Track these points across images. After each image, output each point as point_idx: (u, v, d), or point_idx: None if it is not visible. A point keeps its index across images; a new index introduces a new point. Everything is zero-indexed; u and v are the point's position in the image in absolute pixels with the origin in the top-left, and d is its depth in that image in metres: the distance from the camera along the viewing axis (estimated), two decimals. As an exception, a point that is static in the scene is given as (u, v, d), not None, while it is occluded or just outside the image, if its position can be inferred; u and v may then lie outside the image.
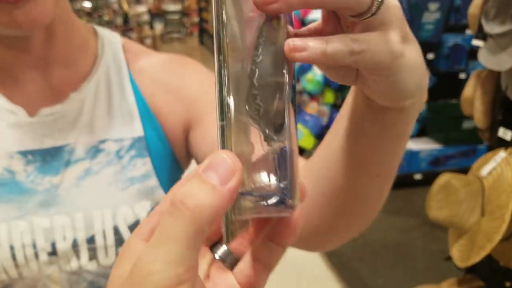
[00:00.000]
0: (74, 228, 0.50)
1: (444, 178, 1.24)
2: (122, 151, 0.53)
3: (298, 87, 3.03)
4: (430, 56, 2.79)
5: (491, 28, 1.16)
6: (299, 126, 2.92)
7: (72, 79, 0.52)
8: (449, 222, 1.23)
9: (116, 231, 0.51)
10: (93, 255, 0.51)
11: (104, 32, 0.57)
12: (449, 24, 2.74)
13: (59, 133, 0.51)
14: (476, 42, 1.30)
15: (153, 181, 0.53)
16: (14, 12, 0.40)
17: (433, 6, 2.63)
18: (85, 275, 0.51)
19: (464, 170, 2.69)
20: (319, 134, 2.81)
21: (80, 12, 5.19)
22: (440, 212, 1.23)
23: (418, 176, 2.74)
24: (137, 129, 0.53)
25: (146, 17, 6.80)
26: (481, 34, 1.25)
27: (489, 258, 1.17)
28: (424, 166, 2.76)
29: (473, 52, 2.80)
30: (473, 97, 1.40)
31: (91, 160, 0.51)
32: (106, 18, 5.58)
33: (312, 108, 2.93)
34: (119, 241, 0.51)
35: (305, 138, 2.83)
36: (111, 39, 0.56)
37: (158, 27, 7.96)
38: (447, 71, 2.81)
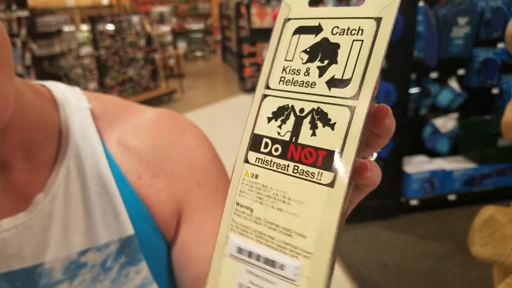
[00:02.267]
0: None
1: (487, 213, 1.15)
2: (109, 261, 0.42)
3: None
4: (461, 71, 2.69)
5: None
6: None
7: (34, 176, 0.41)
8: (495, 261, 1.14)
9: None
10: None
11: (67, 97, 0.44)
12: (480, 38, 2.64)
13: (27, 250, 0.39)
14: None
15: None
16: None
17: (462, 21, 2.55)
18: None
19: (501, 190, 2.58)
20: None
21: (103, 35, 5.29)
22: (484, 249, 1.15)
23: (452, 197, 2.62)
24: (125, 226, 0.42)
25: (169, 37, 6.89)
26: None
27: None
28: (458, 187, 2.63)
29: (505, 66, 2.69)
30: (515, 121, 1.31)
31: (72, 282, 0.41)
32: (129, 39, 5.67)
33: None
34: None
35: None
36: (75, 106, 0.44)
37: (182, 46, 8.07)
38: (479, 86, 2.70)
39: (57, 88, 0.44)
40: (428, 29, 2.48)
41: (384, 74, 2.48)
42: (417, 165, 2.68)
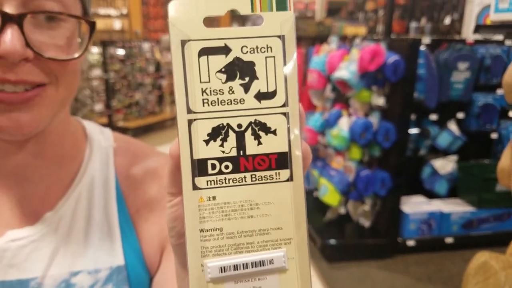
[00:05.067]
0: None
1: (482, 259, 1.15)
2: (97, 286, 0.44)
3: (323, 141, 3.00)
4: (460, 115, 2.73)
5: (529, 102, 1.11)
6: (324, 181, 2.86)
7: (49, 195, 0.45)
8: (488, 307, 1.13)
9: None
10: None
11: (95, 134, 0.51)
12: (479, 84, 2.70)
13: (26, 263, 0.43)
14: (512, 114, 1.25)
15: None
16: (2, 117, 0.37)
17: (462, 66, 2.61)
18: None
19: (499, 235, 2.56)
20: (345, 191, 2.74)
21: (113, 59, 5.41)
22: (477, 294, 1.14)
23: (449, 240, 2.60)
24: (118, 256, 0.45)
25: (176, 65, 7.02)
26: (518, 106, 1.20)
27: None
28: (456, 230, 2.62)
29: (504, 112, 2.73)
30: (510, 168, 1.33)
31: None
32: (138, 65, 5.80)
33: (337, 162, 2.88)
34: None
35: (330, 194, 2.76)
36: (101, 143, 0.50)
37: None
38: (478, 130, 2.74)
39: (89, 125, 0.51)
40: (428, 72, 2.54)
41: (384, 113, 2.52)
42: (415, 205, 2.68)
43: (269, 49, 0.24)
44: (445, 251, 2.61)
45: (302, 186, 0.25)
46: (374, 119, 2.54)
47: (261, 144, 0.25)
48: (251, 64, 0.24)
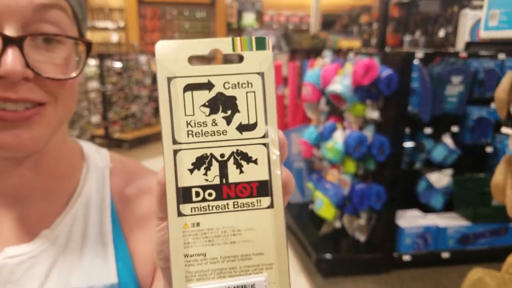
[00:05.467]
0: None
1: (476, 275, 1.14)
2: None
3: (318, 154, 3.00)
4: (455, 129, 2.73)
5: (521, 117, 1.11)
6: (319, 194, 2.84)
7: (46, 213, 0.47)
8: (483, 325, 1.11)
9: None
10: None
11: (92, 155, 0.52)
12: (473, 97, 2.71)
13: (22, 280, 0.44)
14: (505, 130, 1.24)
15: None
16: (3, 134, 0.38)
17: (456, 79, 2.62)
18: None
19: (496, 250, 2.54)
20: (340, 205, 2.72)
21: (110, 71, 5.42)
22: (472, 313, 1.12)
23: (445, 255, 2.58)
24: (111, 275, 0.46)
25: (173, 78, 7.07)
26: (510, 122, 1.20)
27: None
28: (452, 244, 2.60)
29: (498, 125, 2.74)
30: (504, 184, 1.32)
31: None
32: (135, 77, 5.81)
33: (333, 175, 2.87)
34: None
35: (325, 207, 2.74)
36: (98, 164, 0.52)
37: (184, 86, 8.30)
38: (473, 143, 2.74)
39: (87, 146, 0.53)
40: (422, 86, 2.55)
41: (378, 127, 2.52)
42: (411, 220, 2.66)
43: (249, 84, 0.26)
44: (441, 266, 2.58)
45: (282, 213, 0.26)
46: (369, 132, 2.54)
47: (243, 172, 0.26)
48: (233, 98, 0.26)
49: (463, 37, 3.11)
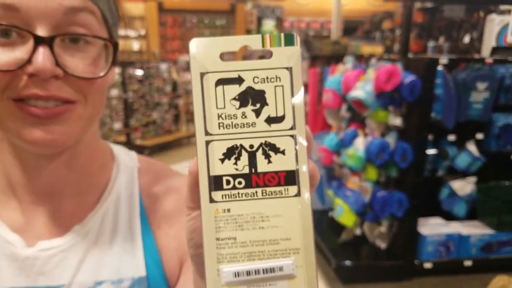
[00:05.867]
0: None
1: (500, 283, 1.12)
2: None
3: (339, 161, 2.99)
4: (479, 136, 2.69)
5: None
6: (340, 201, 2.83)
7: (78, 209, 0.49)
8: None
9: None
10: None
11: (122, 155, 0.55)
12: (499, 104, 2.66)
13: (55, 271, 0.47)
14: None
15: None
16: (37, 129, 0.40)
17: (481, 86, 2.58)
18: None
19: (521, 260, 2.47)
20: (361, 212, 2.70)
21: (132, 79, 5.53)
22: (498, 320, 1.10)
23: (468, 263, 2.53)
24: (140, 268, 0.49)
25: (193, 84, 7.17)
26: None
27: None
28: (475, 252, 2.55)
29: (525, 133, 2.68)
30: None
31: None
32: (156, 85, 5.91)
33: (353, 182, 2.86)
34: None
35: (345, 215, 2.73)
36: (127, 164, 0.54)
37: (204, 93, 8.40)
38: (498, 151, 2.69)
39: (116, 148, 0.56)
40: (446, 92, 2.52)
41: (401, 133, 2.50)
42: (433, 227, 2.62)
43: (278, 79, 0.27)
44: (464, 275, 2.53)
45: (309, 201, 0.27)
46: (391, 139, 2.52)
47: (271, 162, 0.27)
48: (262, 92, 0.27)
49: (488, 43, 3.06)
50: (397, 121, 2.48)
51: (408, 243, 2.56)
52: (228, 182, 0.27)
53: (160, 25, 8.89)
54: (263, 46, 0.27)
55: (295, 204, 0.27)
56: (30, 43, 0.39)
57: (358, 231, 2.81)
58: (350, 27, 8.48)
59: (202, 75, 0.27)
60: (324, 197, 3.43)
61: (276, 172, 0.27)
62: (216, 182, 0.27)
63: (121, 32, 0.50)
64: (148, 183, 0.54)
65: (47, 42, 0.40)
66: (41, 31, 0.40)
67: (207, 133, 0.27)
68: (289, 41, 0.28)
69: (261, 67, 0.27)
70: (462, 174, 2.74)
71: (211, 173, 0.27)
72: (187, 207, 0.29)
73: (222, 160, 0.27)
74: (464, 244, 2.55)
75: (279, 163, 0.27)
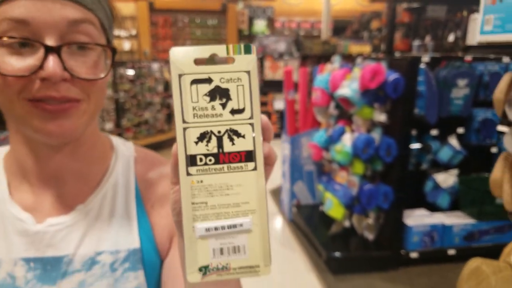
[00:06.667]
0: None
1: (474, 264, 1.23)
2: (117, 264, 0.55)
3: (328, 156, 3.09)
4: (460, 130, 2.81)
5: (514, 116, 1.20)
6: (329, 195, 2.94)
7: (81, 192, 0.57)
8: (480, 309, 1.20)
9: None
10: None
11: (120, 146, 0.63)
12: (479, 99, 2.78)
13: (61, 243, 0.54)
14: (501, 128, 1.34)
15: None
16: (47, 122, 0.48)
17: (461, 83, 2.70)
18: None
19: (501, 247, 2.59)
20: (349, 205, 2.81)
21: (123, 79, 5.57)
22: (470, 297, 1.21)
23: (452, 252, 2.65)
24: (134, 241, 0.56)
25: (185, 84, 7.24)
26: (506, 121, 1.29)
27: None
28: (458, 242, 2.67)
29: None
30: (501, 179, 1.41)
31: (86, 272, 0.54)
32: (147, 85, 5.95)
33: (341, 177, 2.96)
34: None
35: (334, 208, 2.84)
36: (125, 153, 0.62)
37: (196, 92, 8.44)
38: (478, 144, 2.81)
39: (115, 139, 0.64)
40: (428, 89, 2.64)
41: (386, 129, 2.61)
42: (418, 218, 2.74)
43: (239, 80, 0.34)
44: (448, 263, 2.65)
45: (263, 174, 0.34)
46: (376, 134, 2.63)
47: (234, 144, 0.34)
48: (227, 90, 0.34)
49: (472, 41, 3.19)
50: (382, 117, 2.59)
51: (394, 234, 2.67)
52: (201, 160, 0.34)
53: (151, 25, 8.92)
54: (227, 54, 0.34)
55: (252, 176, 0.34)
56: (41, 51, 0.46)
57: (347, 223, 2.91)
58: (340, 27, 8.60)
59: (180, 76, 0.34)
60: (314, 192, 3.54)
61: (238, 152, 0.34)
62: (191, 160, 0.34)
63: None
64: (143, 170, 0.61)
65: (56, 50, 0.46)
66: (50, 41, 0.46)
67: (184, 122, 0.34)
68: (248, 50, 0.34)
69: (226, 70, 0.34)
70: (445, 167, 2.86)
71: (188, 153, 0.34)
72: (171, 183, 0.36)
73: (196, 143, 0.34)
74: (447, 234, 2.67)
75: (240, 145, 0.34)
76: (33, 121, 0.48)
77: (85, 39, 0.49)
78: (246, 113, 0.34)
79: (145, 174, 0.61)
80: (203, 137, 0.34)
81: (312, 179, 3.54)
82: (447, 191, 2.84)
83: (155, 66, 6.12)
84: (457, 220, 2.73)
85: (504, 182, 1.37)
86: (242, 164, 0.34)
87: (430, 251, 2.67)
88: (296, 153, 3.49)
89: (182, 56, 0.34)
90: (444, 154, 2.81)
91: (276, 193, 4.08)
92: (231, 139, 0.34)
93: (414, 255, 2.64)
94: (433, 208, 2.86)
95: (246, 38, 9.29)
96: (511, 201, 1.35)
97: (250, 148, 0.34)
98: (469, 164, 2.84)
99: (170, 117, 6.43)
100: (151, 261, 0.57)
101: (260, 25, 9.29)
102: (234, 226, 0.34)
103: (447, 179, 2.84)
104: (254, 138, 0.34)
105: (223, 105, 0.34)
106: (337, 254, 2.65)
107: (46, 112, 0.47)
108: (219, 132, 0.34)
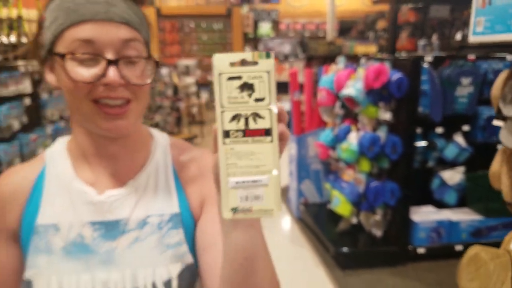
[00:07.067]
0: (123, 282, 0.66)
1: (473, 251, 1.28)
2: (162, 224, 0.69)
3: (334, 155, 3.15)
4: (465, 128, 2.85)
5: (508, 111, 1.26)
6: (336, 193, 2.99)
7: (130, 170, 0.71)
8: (480, 295, 1.25)
9: (154, 285, 0.66)
10: None
11: (157, 135, 0.77)
12: (484, 97, 2.81)
13: (118, 210, 0.68)
14: (496, 123, 1.39)
15: (184, 248, 0.68)
16: (109, 122, 0.62)
17: (465, 81, 2.75)
18: None
19: (508, 243, 2.63)
20: (356, 202, 2.87)
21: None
22: (470, 284, 1.26)
23: (459, 248, 2.69)
24: (175, 207, 0.70)
25: (193, 88, 7.33)
26: (501, 116, 1.35)
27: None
28: (465, 238, 2.71)
29: (509, 124, 2.83)
30: (499, 172, 1.46)
31: (140, 231, 0.68)
32: (157, 89, 6.07)
33: (348, 175, 3.02)
34: None
35: (342, 205, 2.89)
36: (161, 141, 0.76)
37: (204, 96, 8.52)
38: (484, 142, 2.85)
39: (153, 130, 0.79)
40: (432, 88, 2.69)
41: (391, 127, 2.67)
42: (425, 215, 2.78)
43: (261, 77, 0.46)
44: (456, 259, 2.68)
45: (277, 146, 0.45)
46: (382, 133, 2.69)
47: (257, 123, 0.45)
48: (252, 84, 0.45)
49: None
50: (386, 116, 2.64)
51: (401, 230, 2.72)
52: (232, 134, 0.45)
53: (159, 30, 9.06)
54: (253, 59, 0.45)
55: (269, 147, 0.45)
56: (103, 63, 0.60)
57: (354, 220, 2.97)
58: (345, 28, 8.64)
59: (219, 74, 0.45)
60: (322, 191, 3.60)
61: (260, 129, 0.45)
62: (226, 134, 0.45)
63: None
64: (176, 154, 0.75)
65: (115, 62, 0.60)
66: (109, 55, 0.60)
67: (222, 107, 0.45)
68: (268, 56, 0.46)
69: (252, 70, 0.45)
70: (451, 164, 2.90)
71: (224, 129, 0.45)
72: (212, 152, 0.48)
73: (230, 122, 0.45)
74: (454, 230, 2.71)
75: (261, 124, 0.45)
76: (96, 121, 0.62)
77: (135, 53, 0.63)
78: (266, 101, 0.45)
79: (178, 157, 0.75)
80: (235, 118, 0.45)
81: (319, 178, 3.60)
82: (454, 188, 2.88)
83: (164, 71, 6.23)
84: (464, 216, 2.76)
85: (502, 174, 1.43)
86: (262, 138, 0.45)
87: (437, 247, 2.71)
88: (302, 152, 3.56)
89: (221, 60, 0.45)
90: (450, 152, 2.86)
91: (283, 192, 4.14)
92: (255, 120, 0.45)
93: (421, 250, 2.69)
94: (441, 205, 2.91)
95: (251, 41, 9.38)
96: (509, 192, 1.40)
97: (268, 126, 0.45)
98: (475, 161, 2.88)
99: (179, 120, 6.54)
100: (187, 223, 0.70)
101: (265, 27, 9.37)
102: (255, 181, 0.45)
103: (453, 176, 2.88)
104: (271, 119, 0.45)
105: (249, 95, 0.45)
106: (345, 249, 2.71)
107: (107, 114, 0.61)
108: (246, 114, 0.45)
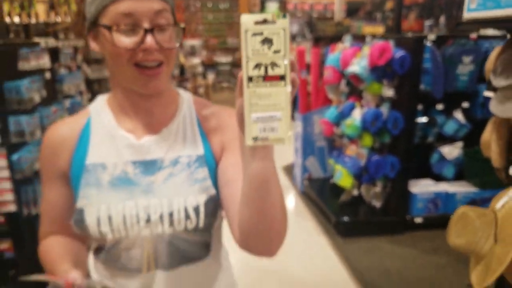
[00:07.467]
0: (161, 207, 0.78)
1: (461, 210, 1.41)
2: (191, 163, 0.81)
3: (338, 132, 3.28)
4: (465, 104, 2.96)
5: (498, 82, 1.38)
6: (339, 167, 3.13)
7: (164, 119, 0.84)
8: (466, 249, 1.39)
9: (185, 210, 0.78)
10: (171, 224, 0.78)
11: (182, 93, 0.90)
12: (484, 75, 2.90)
13: (155, 152, 0.81)
14: (487, 93, 1.52)
15: (208, 182, 0.81)
16: (147, 83, 0.75)
17: (466, 59, 2.84)
18: (165, 236, 0.79)
19: (502, 214, 2.76)
20: (357, 175, 3.00)
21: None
22: (458, 239, 1.40)
23: (455, 218, 2.83)
24: (200, 150, 0.83)
25: (200, 69, 7.42)
26: (492, 87, 1.47)
27: (501, 281, 1.32)
28: (461, 209, 2.85)
29: (508, 101, 2.93)
30: (490, 140, 1.59)
31: (173, 168, 0.80)
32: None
33: (351, 150, 3.15)
34: (187, 216, 0.78)
35: (344, 178, 3.03)
36: (186, 97, 0.89)
37: (210, 77, 8.58)
38: (483, 118, 2.95)
39: (178, 89, 0.92)
40: (434, 66, 2.79)
41: (393, 104, 2.78)
42: (423, 187, 2.92)
43: (278, 33, 0.55)
44: (451, 228, 2.83)
45: (289, 89, 0.54)
46: (385, 109, 2.80)
47: (274, 71, 0.54)
48: (271, 39, 0.55)
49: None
50: (390, 92, 2.75)
51: (400, 201, 2.86)
52: (255, 79, 0.53)
53: (166, 10, 9.03)
54: (272, 18, 0.55)
55: (283, 90, 0.54)
56: (141, 32, 0.71)
57: (355, 192, 3.11)
58: (353, 8, 8.63)
59: (246, 31, 0.53)
60: (326, 166, 3.74)
61: (276, 75, 0.54)
62: (250, 79, 0.53)
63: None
64: (199, 109, 0.88)
65: (151, 31, 0.71)
66: (146, 25, 0.71)
67: (247, 57, 0.53)
68: (284, 16, 0.54)
69: (271, 28, 0.53)
70: (450, 140, 3.02)
71: (248, 75, 0.53)
72: (237, 96, 0.56)
73: (253, 69, 0.53)
74: (450, 201, 2.85)
75: (277, 71, 0.53)
76: (137, 82, 0.74)
77: (165, 22, 0.73)
78: (282, 53, 0.55)
79: (201, 111, 0.88)
80: (257, 66, 0.54)
81: (323, 154, 3.74)
82: (452, 163, 3.01)
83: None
84: (461, 188, 2.90)
85: (492, 141, 1.56)
86: (278, 82, 0.55)
87: (434, 216, 2.86)
88: (308, 130, 3.68)
89: (247, 19, 0.54)
90: (450, 128, 2.97)
91: (289, 169, 4.29)
92: (272, 68, 0.54)
93: (418, 220, 2.83)
94: (439, 179, 3.04)
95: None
96: (497, 158, 1.53)
97: (283, 73, 0.55)
98: (473, 137, 2.98)
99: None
100: (210, 163, 0.83)
101: (272, 7, 9.35)
102: (272, 116, 0.55)
103: (452, 151, 3.00)
104: (285, 68, 0.55)
105: (269, 48, 0.54)
106: (346, 218, 2.86)
107: (145, 75, 0.73)
108: (265, 63, 0.54)
